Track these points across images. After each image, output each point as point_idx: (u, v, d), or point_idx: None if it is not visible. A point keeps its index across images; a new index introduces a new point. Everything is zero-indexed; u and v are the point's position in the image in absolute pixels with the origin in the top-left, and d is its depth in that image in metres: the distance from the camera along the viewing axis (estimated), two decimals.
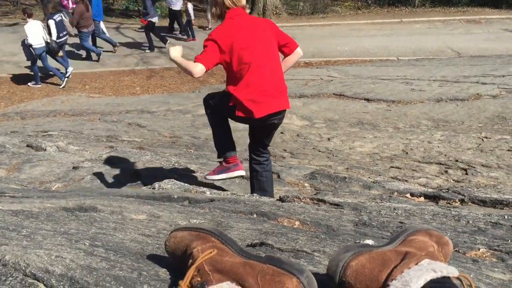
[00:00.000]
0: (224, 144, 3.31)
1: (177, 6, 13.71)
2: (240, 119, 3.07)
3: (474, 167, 4.39)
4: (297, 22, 16.64)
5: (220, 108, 3.15)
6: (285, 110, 3.16)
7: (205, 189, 2.96)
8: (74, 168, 4.18)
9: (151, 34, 13.01)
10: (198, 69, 2.81)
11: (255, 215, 2.03)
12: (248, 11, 3.33)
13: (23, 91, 10.64)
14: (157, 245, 1.42)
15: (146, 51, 13.44)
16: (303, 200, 2.48)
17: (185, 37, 14.39)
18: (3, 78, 11.37)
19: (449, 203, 2.87)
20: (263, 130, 3.24)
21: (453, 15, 16.61)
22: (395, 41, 13.66)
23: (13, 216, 1.69)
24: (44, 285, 1.10)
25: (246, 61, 2.89)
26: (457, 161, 4.66)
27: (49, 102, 9.34)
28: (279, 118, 3.16)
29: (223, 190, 3.42)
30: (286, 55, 3.16)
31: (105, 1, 18.72)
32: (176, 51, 2.97)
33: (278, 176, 3.97)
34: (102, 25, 12.84)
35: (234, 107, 2.97)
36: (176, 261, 1.17)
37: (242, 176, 3.46)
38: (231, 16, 2.96)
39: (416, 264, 0.94)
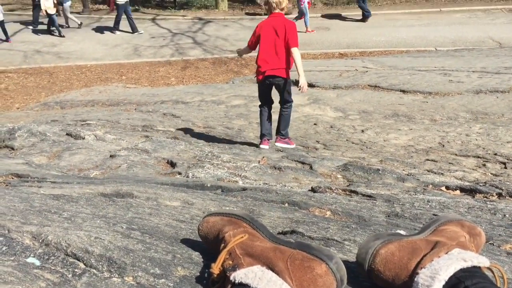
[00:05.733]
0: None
1: None
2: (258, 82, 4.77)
3: None
4: (333, 12, 16.43)
5: None
6: (281, 76, 4.60)
7: (237, 178, 3.00)
8: (111, 156, 4.30)
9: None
10: (246, 46, 4.87)
11: (286, 204, 2.04)
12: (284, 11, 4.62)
13: (63, 81, 10.97)
14: (190, 230, 1.46)
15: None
16: (335, 191, 2.48)
17: None
18: (44, 69, 11.74)
19: (486, 197, 2.80)
20: (272, 87, 4.75)
21: (495, 4, 16.03)
22: (433, 31, 13.32)
23: (55, 200, 1.77)
24: (84, 264, 1.16)
25: (260, 44, 4.61)
26: (496, 154, 4.53)
27: (87, 92, 9.60)
28: (278, 80, 4.63)
29: (255, 180, 3.46)
30: (289, 49, 4.51)
31: None
32: (239, 51, 5.11)
33: (311, 167, 3.97)
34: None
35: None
36: (208, 245, 1.21)
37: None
38: (269, 15, 4.60)
39: (446, 253, 0.94)
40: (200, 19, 15.84)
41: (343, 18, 15.48)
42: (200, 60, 12.24)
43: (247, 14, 16.59)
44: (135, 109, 7.35)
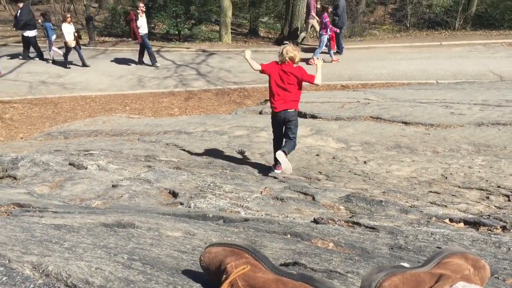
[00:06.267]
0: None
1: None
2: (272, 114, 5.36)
3: None
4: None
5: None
6: (292, 109, 5.18)
7: (239, 209, 2.98)
8: (114, 186, 4.30)
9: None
10: (258, 66, 5.22)
11: (289, 236, 2.03)
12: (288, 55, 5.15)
13: (67, 111, 11.06)
14: (192, 261, 1.45)
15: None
16: (337, 223, 2.47)
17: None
18: (49, 99, 11.86)
19: (490, 230, 2.78)
20: (283, 123, 5.28)
21: (495, 38, 16.26)
22: (434, 64, 13.47)
23: (56, 230, 1.76)
24: None
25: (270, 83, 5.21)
26: (499, 187, 4.51)
27: (91, 122, 9.67)
28: (289, 114, 5.17)
29: (258, 210, 3.44)
30: (311, 83, 5.14)
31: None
32: (248, 53, 5.39)
33: (313, 198, 3.96)
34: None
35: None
36: (210, 276, 1.20)
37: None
38: (279, 61, 5.18)
39: (451, 286, 0.93)
40: (204, 51, 16.09)
41: (345, 51, 15.70)
42: (203, 91, 12.37)
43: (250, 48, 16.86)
44: (138, 139, 7.39)
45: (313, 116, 8.00)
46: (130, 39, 15.56)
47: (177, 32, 18.71)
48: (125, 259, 1.38)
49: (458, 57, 14.22)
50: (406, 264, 1.20)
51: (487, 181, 4.74)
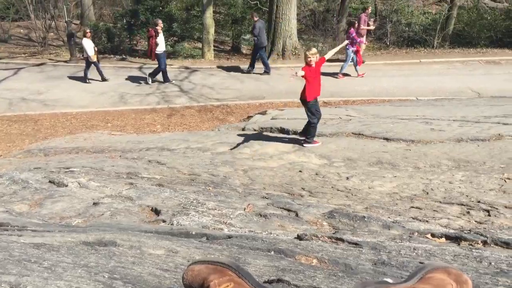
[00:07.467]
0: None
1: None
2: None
3: (497, 209, 4.30)
4: None
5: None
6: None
7: (223, 226, 2.96)
8: (94, 204, 4.24)
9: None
10: (303, 72, 6.85)
11: (272, 252, 2.02)
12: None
13: (48, 128, 10.92)
14: (174, 279, 1.43)
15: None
16: (321, 239, 2.47)
17: None
18: (29, 116, 11.71)
19: (471, 245, 2.81)
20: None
21: (472, 56, 16.65)
22: (414, 81, 13.72)
23: (35, 249, 1.72)
24: None
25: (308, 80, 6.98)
26: (479, 202, 4.57)
27: (72, 139, 9.56)
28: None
29: (241, 227, 3.42)
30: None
31: (129, 42, 19.34)
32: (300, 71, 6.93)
33: (296, 215, 3.95)
34: None
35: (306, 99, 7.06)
36: None
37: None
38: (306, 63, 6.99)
39: None
40: (186, 68, 16.11)
41: (326, 68, 15.88)
42: (186, 107, 12.35)
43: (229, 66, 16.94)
44: (120, 156, 7.32)
45: (296, 133, 8.04)
46: (147, 57, 15.51)
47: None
48: (106, 278, 1.36)
49: (437, 74, 14.51)
50: (389, 280, 1.20)
51: (467, 196, 4.80)
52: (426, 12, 22.28)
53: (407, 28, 20.07)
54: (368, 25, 15.25)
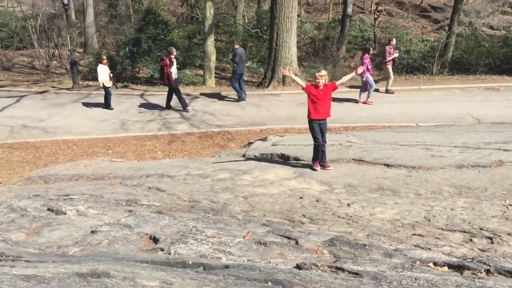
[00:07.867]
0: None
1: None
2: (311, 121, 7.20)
3: (499, 236, 4.23)
4: None
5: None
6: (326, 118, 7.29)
7: (221, 254, 2.92)
8: (92, 232, 4.19)
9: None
10: (305, 85, 7.17)
11: (270, 283, 1.97)
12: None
13: (48, 155, 10.92)
14: None
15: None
16: (320, 268, 2.42)
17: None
18: (30, 143, 11.73)
19: (474, 274, 2.75)
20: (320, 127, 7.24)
21: (471, 82, 16.75)
22: (413, 107, 13.77)
23: (25, 281, 1.68)
24: None
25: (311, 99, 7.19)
26: (481, 229, 4.51)
27: (72, 166, 9.54)
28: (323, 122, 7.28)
29: (240, 256, 3.36)
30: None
31: (131, 69, 19.55)
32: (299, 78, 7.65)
33: (297, 243, 3.90)
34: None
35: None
36: None
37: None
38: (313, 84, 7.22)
39: None
40: (188, 94, 16.20)
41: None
42: (187, 134, 12.37)
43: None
44: (120, 183, 7.29)
45: (296, 159, 8.02)
46: (160, 84, 15.76)
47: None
48: None
49: (436, 101, 14.58)
50: None
51: (469, 223, 4.74)
52: (425, 40, 22.55)
53: (406, 55, 20.26)
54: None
